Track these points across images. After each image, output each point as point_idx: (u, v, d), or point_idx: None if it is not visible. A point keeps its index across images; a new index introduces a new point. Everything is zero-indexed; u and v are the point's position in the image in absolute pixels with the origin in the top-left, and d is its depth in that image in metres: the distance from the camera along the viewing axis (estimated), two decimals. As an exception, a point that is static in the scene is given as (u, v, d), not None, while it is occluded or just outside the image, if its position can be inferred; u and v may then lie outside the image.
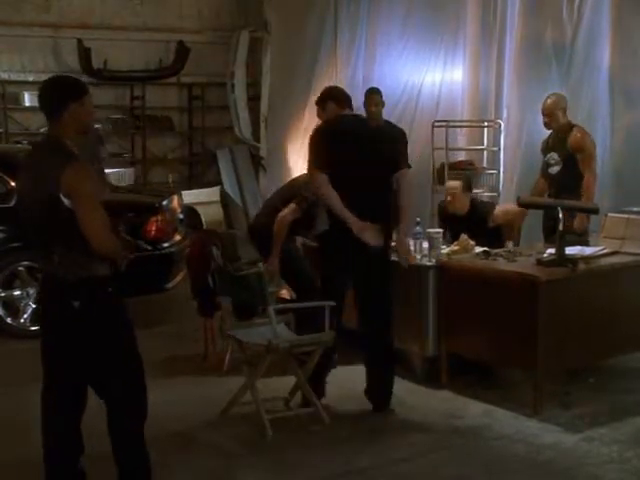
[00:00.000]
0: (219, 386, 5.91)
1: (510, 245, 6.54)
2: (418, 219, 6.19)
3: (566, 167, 6.79)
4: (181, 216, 8.42)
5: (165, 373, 6.20)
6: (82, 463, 3.98)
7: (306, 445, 5.04)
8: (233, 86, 12.43)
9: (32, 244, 3.97)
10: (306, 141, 5.60)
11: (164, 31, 12.60)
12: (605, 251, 5.97)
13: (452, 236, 6.45)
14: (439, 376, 5.93)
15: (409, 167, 5.50)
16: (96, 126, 11.19)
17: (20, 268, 7.43)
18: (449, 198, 6.92)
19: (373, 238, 5.25)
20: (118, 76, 12.29)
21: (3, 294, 7.50)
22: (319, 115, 5.66)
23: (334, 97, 5.58)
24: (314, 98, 5.84)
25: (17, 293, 7.51)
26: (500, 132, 9.00)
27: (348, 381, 5.79)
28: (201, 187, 11.94)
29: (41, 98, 3.81)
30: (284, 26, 11.16)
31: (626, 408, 5.49)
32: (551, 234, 6.22)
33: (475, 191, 7.70)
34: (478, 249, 6.10)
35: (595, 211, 6.13)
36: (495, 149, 9.15)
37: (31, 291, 7.35)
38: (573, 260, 5.60)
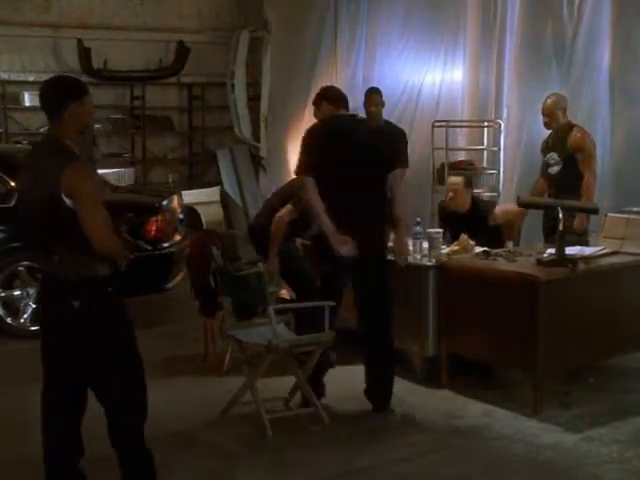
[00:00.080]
0: (219, 386, 5.91)
1: (510, 245, 6.53)
2: (418, 219, 6.17)
3: (566, 167, 6.78)
4: (181, 216, 8.42)
5: (165, 373, 6.20)
6: (82, 465, 3.97)
7: (306, 445, 5.04)
8: (233, 86, 12.43)
9: (32, 244, 3.96)
10: (306, 141, 5.60)
11: (164, 31, 12.60)
12: (605, 251, 5.97)
13: (452, 236, 6.44)
14: (439, 376, 5.93)
15: (406, 167, 5.47)
16: (96, 126, 11.22)
17: (20, 268, 7.43)
18: (451, 194, 6.87)
19: (346, 250, 5.23)
20: (118, 76, 12.28)
21: (3, 294, 7.49)
22: (315, 115, 5.65)
23: (329, 97, 5.57)
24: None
25: (17, 293, 7.50)
26: (500, 132, 9.00)
27: (347, 381, 5.79)
28: (201, 187, 11.94)
29: (42, 98, 3.81)
30: (284, 26, 11.16)
31: (626, 408, 5.49)
32: (551, 234, 6.22)
33: (475, 191, 7.68)
34: (478, 249, 6.10)
35: (595, 211, 6.13)
36: (495, 149, 9.15)
37: (31, 291, 7.35)
38: (573, 260, 5.60)
